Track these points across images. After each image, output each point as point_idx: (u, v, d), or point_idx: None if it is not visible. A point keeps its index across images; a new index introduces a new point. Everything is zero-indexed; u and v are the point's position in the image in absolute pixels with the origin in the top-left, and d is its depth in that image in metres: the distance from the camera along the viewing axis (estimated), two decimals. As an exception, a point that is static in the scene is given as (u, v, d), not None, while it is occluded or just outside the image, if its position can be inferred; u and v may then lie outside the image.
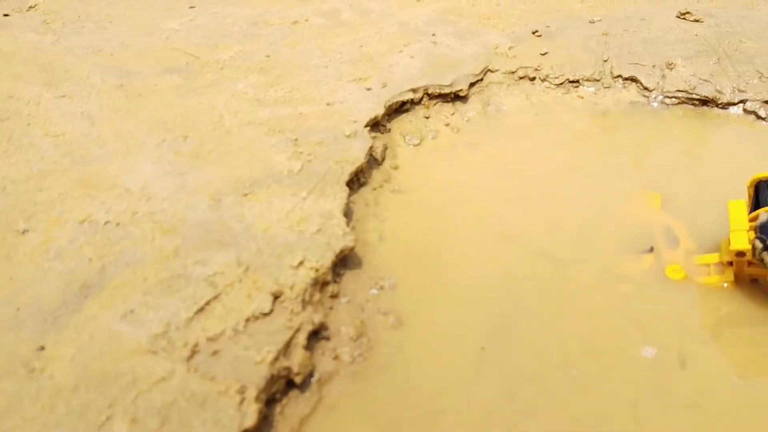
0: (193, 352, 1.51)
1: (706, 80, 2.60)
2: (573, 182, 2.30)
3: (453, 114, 2.57)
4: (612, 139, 2.50)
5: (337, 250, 1.83)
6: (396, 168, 2.35)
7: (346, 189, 2.04)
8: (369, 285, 1.89)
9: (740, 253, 1.81)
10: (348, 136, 2.24)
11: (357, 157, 2.16)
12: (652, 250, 2.02)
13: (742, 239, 1.80)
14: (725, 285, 1.88)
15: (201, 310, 1.61)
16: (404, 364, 1.71)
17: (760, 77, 2.60)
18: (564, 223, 2.14)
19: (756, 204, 1.93)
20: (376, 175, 2.27)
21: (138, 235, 1.84)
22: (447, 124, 2.54)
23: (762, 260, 1.71)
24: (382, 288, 1.89)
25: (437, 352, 1.73)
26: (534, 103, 2.65)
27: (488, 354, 1.69)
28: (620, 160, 2.40)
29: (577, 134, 2.53)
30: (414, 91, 2.53)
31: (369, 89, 2.51)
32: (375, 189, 2.22)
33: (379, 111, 2.39)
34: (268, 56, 2.76)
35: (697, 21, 3.04)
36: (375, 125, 2.40)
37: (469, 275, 1.95)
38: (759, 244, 1.71)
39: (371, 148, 2.23)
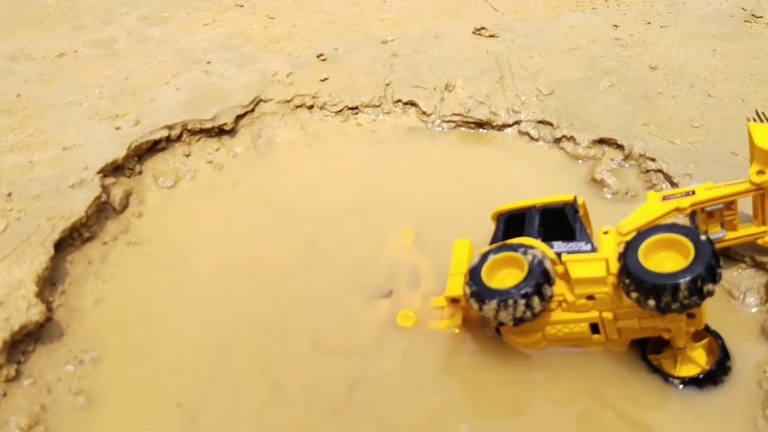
0: None
1: (482, 102, 2.51)
2: (335, 220, 2.16)
3: (218, 150, 2.39)
4: (384, 170, 2.37)
5: (16, 327, 1.62)
6: (140, 216, 2.15)
7: (52, 250, 1.83)
8: (65, 360, 1.69)
9: (454, 300, 1.70)
10: (72, 186, 2.03)
11: (76, 210, 1.95)
12: (390, 294, 1.90)
13: (457, 284, 1.69)
14: (456, 330, 1.77)
15: None
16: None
17: (537, 95, 2.53)
18: (315, 268, 2.00)
19: (493, 239, 1.83)
20: (111, 227, 2.07)
21: None
22: (210, 162, 2.36)
23: (472, 307, 1.59)
24: (81, 362, 1.70)
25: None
26: (309, 133, 2.51)
27: None
28: (388, 193, 2.27)
29: (350, 166, 2.39)
30: (170, 128, 2.34)
31: (118, 128, 2.31)
32: (106, 243, 2.02)
33: (121, 154, 2.19)
34: (19, 95, 2.52)
35: (492, 36, 2.96)
36: (118, 169, 2.20)
37: (187, 338, 1.78)
38: (467, 290, 1.60)
39: (98, 197, 2.03)
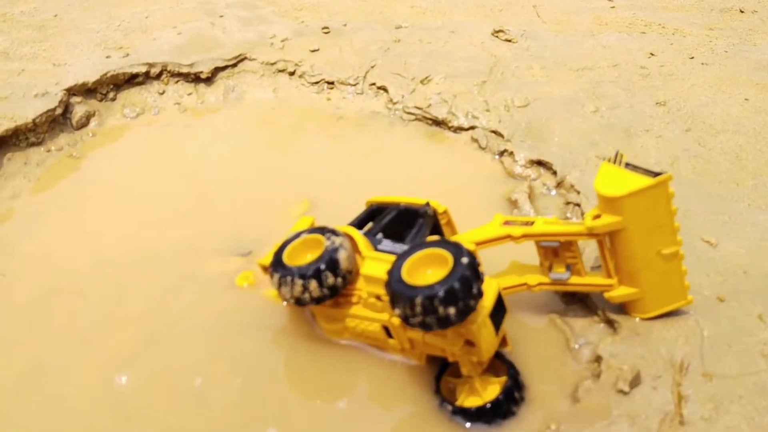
0: None
1: (445, 101, 2.46)
2: (245, 178, 2.26)
3: (190, 94, 2.58)
4: (325, 145, 2.42)
5: None
6: (93, 135, 2.39)
7: (-12, 143, 2.11)
8: (-42, 234, 1.96)
9: (264, 267, 1.75)
10: (35, 96, 2.31)
11: (24, 116, 2.22)
12: (249, 254, 1.97)
13: (270, 256, 1.73)
14: (284, 303, 1.81)
15: None
16: None
17: (506, 106, 2.43)
18: (202, 218, 2.10)
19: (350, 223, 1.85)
20: (62, 139, 2.33)
21: None
22: (177, 103, 2.55)
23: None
24: (-31, 239, 1.96)
25: None
26: (279, 97, 2.61)
27: None
28: (312, 167, 2.31)
29: (295, 134, 2.47)
30: (150, 65, 2.55)
31: (108, 57, 2.56)
32: (49, 151, 2.28)
33: (93, 78, 2.43)
34: (56, 15, 2.87)
35: (508, 41, 2.86)
36: (90, 91, 2.45)
37: (69, 250, 1.95)
38: (272, 261, 1.64)
39: (53, 110, 2.29)
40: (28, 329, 1.67)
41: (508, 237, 1.61)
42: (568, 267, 1.63)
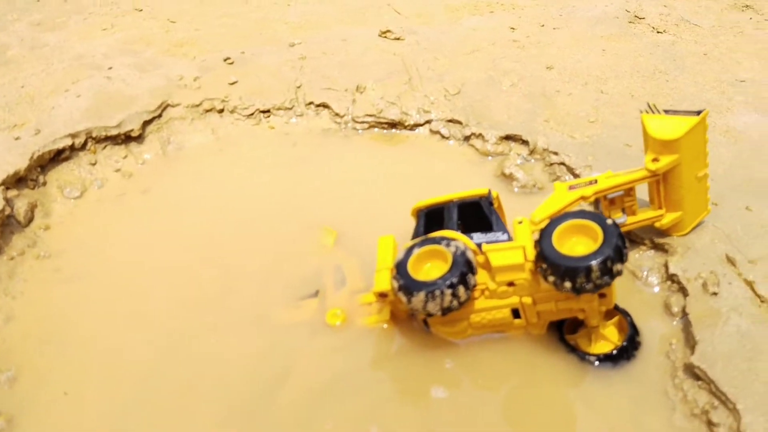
0: None
1: (393, 103, 2.56)
2: (248, 225, 2.14)
3: (126, 157, 2.31)
4: (300, 172, 2.37)
5: None
6: (47, 228, 2.05)
7: (-49, 269, 1.71)
8: (-23, 383, 1.59)
9: (383, 294, 1.74)
10: (-30, 201, 1.91)
11: (-23, 226, 1.84)
12: (317, 294, 1.91)
13: (384, 279, 1.72)
14: (384, 325, 1.81)
15: None
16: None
17: (445, 95, 2.62)
18: (234, 275, 1.96)
19: (414, 234, 1.88)
20: (17, 241, 1.96)
21: None
22: (117, 170, 2.28)
23: (402, 300, 1.63)
24: (-5, 384, 1.60)
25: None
26: (220, 137, 2.47)
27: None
28: (304, 196, 2.27)
29: (262, 170, 2.38)
30: (74, 136, 2.24)
31: (17, 138, 2.18)
32: (13, 258, 1.91)
33: (23, 165, 2.07)
34: None
35: (397, 39, 3.03)
36: (20, 180, 2.08)
37: (101, 355, 1.71)
38: (395, 284, 1.63)
39: (2, 211, 1.92)
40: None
41: (581, 199, 1.83)
42: (623, 210, 1.90)
